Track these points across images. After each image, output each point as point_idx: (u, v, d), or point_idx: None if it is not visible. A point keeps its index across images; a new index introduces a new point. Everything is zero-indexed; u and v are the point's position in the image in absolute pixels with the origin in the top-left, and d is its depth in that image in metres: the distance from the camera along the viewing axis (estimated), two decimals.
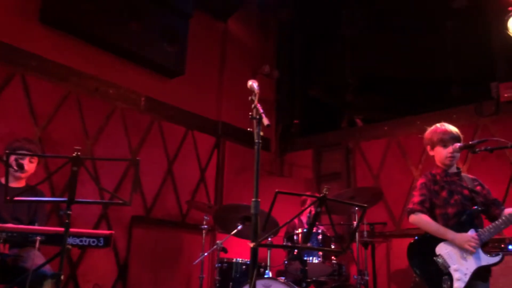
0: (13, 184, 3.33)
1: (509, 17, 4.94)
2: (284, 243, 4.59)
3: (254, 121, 2.56)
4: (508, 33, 4.96)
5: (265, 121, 2.48)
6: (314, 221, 2.36)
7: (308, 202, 5.46)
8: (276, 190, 2.15)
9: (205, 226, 4.85)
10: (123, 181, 5.06)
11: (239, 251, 5.69)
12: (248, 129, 2.65)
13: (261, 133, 2.56)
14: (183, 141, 5.89)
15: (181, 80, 5.87)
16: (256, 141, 2.53)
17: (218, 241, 4.39)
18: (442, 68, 6.47)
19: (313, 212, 4.65)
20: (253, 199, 2.42)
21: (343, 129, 7.08)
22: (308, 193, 5.00)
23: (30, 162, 3.39)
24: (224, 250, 4.45)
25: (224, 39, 6.77)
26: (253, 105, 2.61)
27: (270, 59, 7.42)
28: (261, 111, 2.55)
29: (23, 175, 3.35)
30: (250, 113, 2.58)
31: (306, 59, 7.75)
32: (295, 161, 7.29)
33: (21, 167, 3.24)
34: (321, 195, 2.27)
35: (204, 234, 4.83)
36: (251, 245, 2.26)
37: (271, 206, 2.19)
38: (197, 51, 6.11)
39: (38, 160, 3.50)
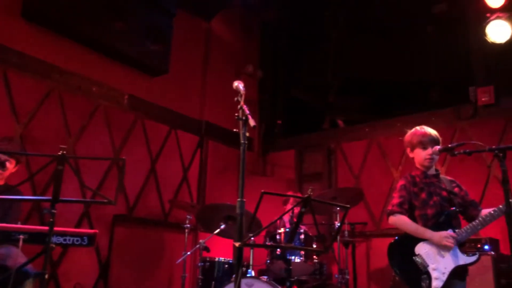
0: None
1: (487, 24, 5.10)
2: (266, 242, 4.63)
3: (240, 122, 2.58)
4: (487, 39, 5.11)
5: (251, 122, 2.51)
6: (298, 221, 2.40)
7: (291, 201, 5.53)
8: (262, 190, 2.18)
9: (188, 225, 4.86)
10: (105, 179, 5.03)
11: (221, 250, 5.71)
12: (234, 130, 2.66)
13: (247, 134, 2.59)
14: (166, 140, 5.89)
15: (164, 79, 5.85)
16: (242, 142, 2.54)
17: (200, 240, 4.41)
18: (422, 72, 6.60)
19: (295, 211, 4.72)
20: (239, 199, 2.43)
21: (325, 130, 7.17)
22: (293, 194, 5.06)
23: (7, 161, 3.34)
24: (207, 249, 4.47)
25: (208, 39, 6.78)
26: (239, 106, 2.62)
27: (254, 59, 7.46)
28: (247, 112, 2.57)
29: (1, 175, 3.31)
30: (236, 114, 2.60)
31: (289, 60, 7.81)
32: (277, 161, 7.35)
33: (2, 165, 3.20)
34: (306, 195, 2.32)
35: (186, 233, 4.84)
36: (237, 244, 2.29)
37: (257, 206, 2.22)
38: (181, 50, 6.10)
39: (16, 161, 3.45)
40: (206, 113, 6.47)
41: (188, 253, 4.60)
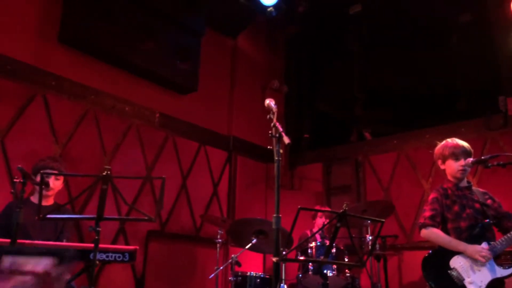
0: (42, 202, 3.44)
1: None
2: (298, 257, 4.66)
3: (274, 140, 2.65)
4: None
5: (286, 139, 2.57)
6: (334, 236, 2.44)
7: (319, 215, 5.56)
8: (299, 206, 2.24)
9: (219, 240, 4.93)
10: (139, 196, 5.17)
11: (251, 264, 5.77)
12: (268, 147, 2.73)
13: (281, 151, 2.66)
14: (196, 156, 6.01)
15: (194, 96, 6.00)
16: (276, 158, 2.61)
17: (233, 255, 4.46)
18: (449, 82, 6.55)
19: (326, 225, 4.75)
20: (275, 215, 2.50)
21: (352, 143, 7.17)
22: (326, 209, 5.10)
23: (56, 179, 3.51)
24: (238, 263, 4.52)
25: (234, 56, 6.91)
26: (272, 124, 2.70)
27: (279, 74, 7.56)
28: (281, 129, 2.65)
29: (49, 193, 3.46)
30: (269, 132, 2.68)
31: (314, 74, 7.88)
32: (305, 174, 7.38)
33: (46, 185, 3.35)
34: (341, 210, 2.36)
35: (218, 248, 4.90)
36: (274, 259, 2.35)
37: (294, 222, 2.28)
38: (209, 67, 6.25)
39: (64, 178, 3.62)
40: (234, 129, 6.58)
41: (221, 267, 4.66)
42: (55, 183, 3.49)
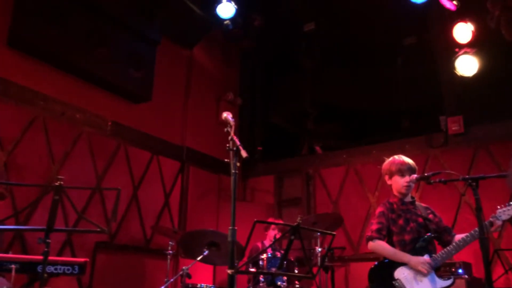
0: None
1: (456, 58, 5.42)
2: (249, 268, 4.69)
3: (231, 152, 2.70)
4: (455, 72, 5.42)
5: (243, 153, 2.63)
6: (288, 248, 2.51)
7: (272, 227, 5.64)
8: (255, 219, 2.29)
9: (170, 252, 4.87)
10: (87, 207, 5.02)
11: (201, 276, 5.74)
12: (225, 160, 2.76)
13: (238, 164, 2.71)
14: (148, 166, 5.93)
15: (147, 105, 5.93)
16: (233, 171, 2.66)
17: (184, 267, 4.42)
18: (396, 101, 6.87)
19: (277, 236, 4.83)
20: (230, 227, 2.53)
21: (303, 156, 7.33)
22: (280, 222, 5.19)
23: None
24: (188, 275, 4.49)
25: (190, 66, 6.91)
26: (229, 137, 2.74)
27: (233, 86, 7.63)
28: (238, 143, 2.70)
29: None
30: (227, 145, 2.73)
31: (268, 88, 8.03)
32: (257, 186, 7.45)
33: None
34: (295, 224, 2.44)
35: (169, 260, 4.85)
36: (229, 272, 2.38)
37: (250, 235, 2.33)
38: (164, 77, 6.21)
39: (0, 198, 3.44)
40: (187, 139, 6.56)
41: (171, 280, 4.60)
42: None
